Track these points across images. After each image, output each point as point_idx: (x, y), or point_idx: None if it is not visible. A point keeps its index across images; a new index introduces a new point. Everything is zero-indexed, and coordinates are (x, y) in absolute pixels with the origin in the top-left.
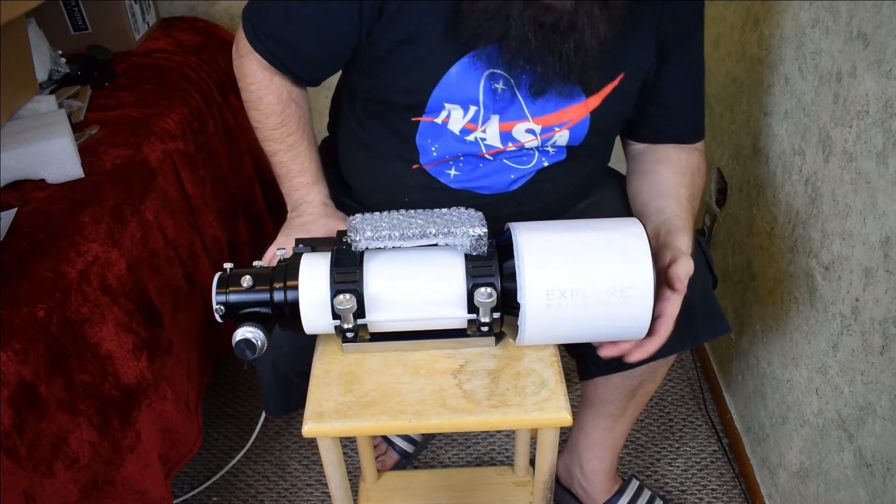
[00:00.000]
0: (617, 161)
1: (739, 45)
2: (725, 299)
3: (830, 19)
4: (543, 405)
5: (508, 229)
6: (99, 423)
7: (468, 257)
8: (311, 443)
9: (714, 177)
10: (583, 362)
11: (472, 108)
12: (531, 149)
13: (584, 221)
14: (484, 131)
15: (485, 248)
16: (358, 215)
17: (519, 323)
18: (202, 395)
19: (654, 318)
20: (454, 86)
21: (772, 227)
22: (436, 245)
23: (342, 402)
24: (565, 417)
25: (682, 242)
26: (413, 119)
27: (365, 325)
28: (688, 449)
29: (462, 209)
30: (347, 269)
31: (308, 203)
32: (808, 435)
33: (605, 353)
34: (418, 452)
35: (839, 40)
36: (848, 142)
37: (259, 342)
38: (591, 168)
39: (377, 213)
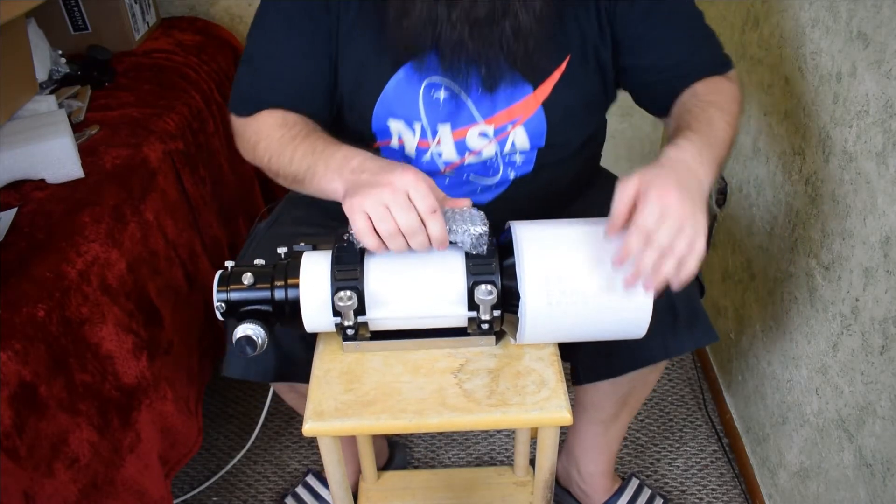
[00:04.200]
0: (616, 164)
1: (739, 45)
2: (726, 299)
3: (830, 19)
4: (543, 404)
5: (509, 228)
6: (99, 423)
7: (468, 256)
8: (312, 443)
9: None
10: (574, 368)
11: (417, 125)
12: (493, 159)
13: (585, 220)
14: (438, 143)
15: (485, 247)
16: None
17: (519, 320)
18: (202, 395)
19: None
20: (393, 101)
21: (772, 227)
22: None
23: (342, 401)
24: (565, 417)
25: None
26: (375, 146)
27: (365, 323)
28: (688, 449)
29: (464, 208)
30: (348, 266)
31: (360, 153)
32: (808, 435)
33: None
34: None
35: (839, 40)
36: (848, 142)
37: (259, 339)
38: (566, 184)
39: None
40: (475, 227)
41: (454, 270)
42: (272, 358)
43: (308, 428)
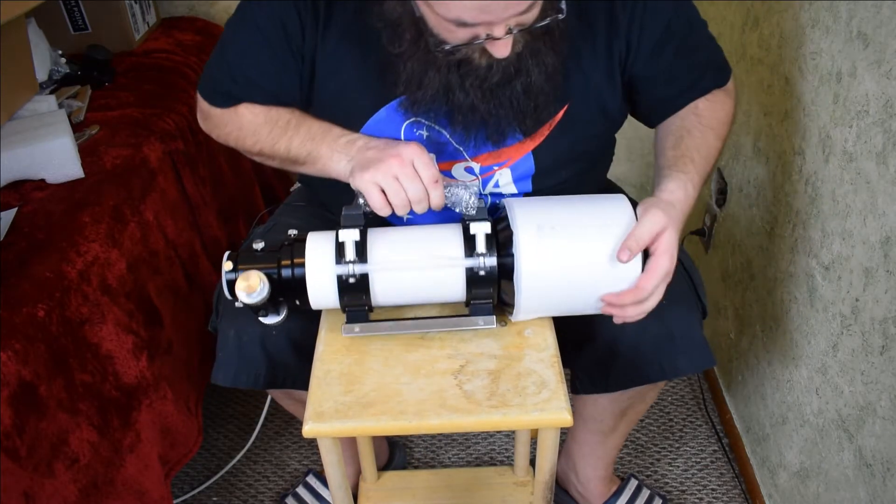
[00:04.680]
0: (616, 164)
1: (739, 45)
2: (726, 299)
3: (830, 19)
4: (544, 406)
5: (503, 206)
6: (99, 423)
7: (462, 215)
8: (312, 443)
9: (714, 177)
10: (573, 377)
11: None
12: (479, 192)
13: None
14: None
15: (475, 209)
16: None
17: (514, 284)
18: (202, 395)
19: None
20: (376, 133)
21: (772, 227)
22: None
23: (342, 403)
24: (566, 418)
25: (662, 189)
26: None
27: (367, 282)
28: (688, 449)
29: (460, 182)
30: (354, 219)
31: (362, 135)
32: (808, 435)
33: (606, 309)
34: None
35: (839, 40)
36: (848, 142)
37: (263, 284)
38: None
39: None
40: (467, 191)
41: (450, 225)
42: (262, 365)
43: (308, 429)
